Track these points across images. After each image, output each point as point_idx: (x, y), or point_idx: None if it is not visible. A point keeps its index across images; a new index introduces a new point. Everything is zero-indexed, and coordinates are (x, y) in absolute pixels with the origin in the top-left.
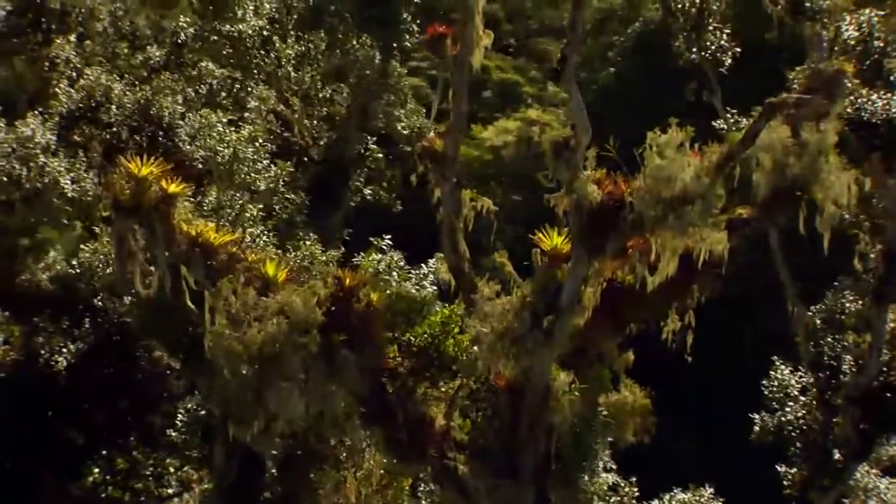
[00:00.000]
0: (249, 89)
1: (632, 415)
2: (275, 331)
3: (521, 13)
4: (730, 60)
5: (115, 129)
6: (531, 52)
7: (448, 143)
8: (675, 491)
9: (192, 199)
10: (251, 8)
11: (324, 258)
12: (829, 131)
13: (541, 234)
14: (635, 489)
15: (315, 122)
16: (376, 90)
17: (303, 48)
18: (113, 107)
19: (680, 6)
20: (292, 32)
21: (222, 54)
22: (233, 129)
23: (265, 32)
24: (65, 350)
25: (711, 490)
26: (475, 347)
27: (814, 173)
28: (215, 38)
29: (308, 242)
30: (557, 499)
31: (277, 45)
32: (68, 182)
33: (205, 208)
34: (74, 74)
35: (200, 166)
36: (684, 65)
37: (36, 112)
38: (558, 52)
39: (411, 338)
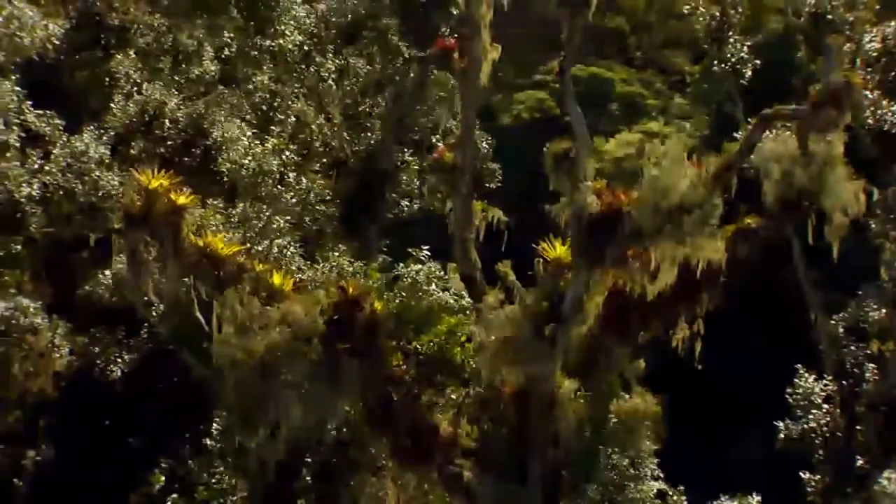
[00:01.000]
0: (290, 103)
1: (643, 422)
2: (277, 339)
3: (646, 25)
4: (749, 72)
5: (169, 142)
6: (657, 64)
7: (458, 155)
8: (723, 498)
9: (222, 212)
10: (291, 23)
11: (351, 269)
12: (836, 142)
13: (544, 245)
14: (683, 498)
15: (354, 134)
16: (410, 103)
17: (342, 62)
18: (166, 121)
19: (702, 19)
20: (330, 47)
21: (263, 69)
22: (257, 142)
23: (305, 47)
24: (119, 360)
25: (758, 499)
26: (479, 355)
27: (821, 183)
28: (255, 53)
29: (336, 254)
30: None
31: (318, 59)
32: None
33: (232, 220)
34: (135, 90)
35: (226, 179)
36: (805, 75)
37: (92, 126)
38: (685, 64)
39: (418, 346)
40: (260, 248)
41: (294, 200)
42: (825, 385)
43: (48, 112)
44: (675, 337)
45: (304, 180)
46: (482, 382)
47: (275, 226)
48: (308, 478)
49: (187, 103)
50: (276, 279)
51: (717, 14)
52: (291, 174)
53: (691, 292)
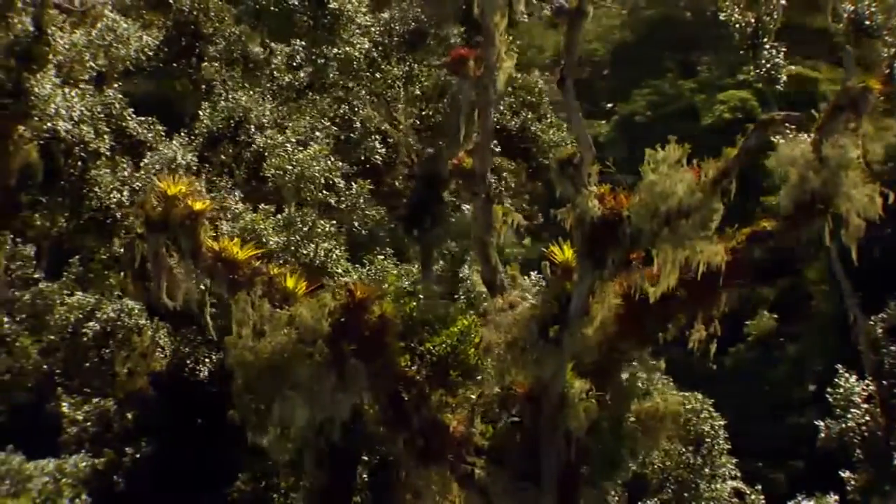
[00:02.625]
0: (357, 109)
1: (662, 421)
2: (284, 341)
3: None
4: (784, 78)
5: (253, 147)
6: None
7: (476, 161)
8: (799, 497)
9: (273, 215)
10: (357, 31)
11: (395, 272)
12: (849, 146)
13: (554, 248)
14: (762, 497)
15: (419, 139)
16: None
17: (407, 68)
18: (252, 127)
19: (737, 25)
20: (395, 55)
21: (330, 76)
22: (300, 147)
23: (373, 54)
24: (208, 360)
25: (836, 498)
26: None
27: (835, 187)
28: (323, 60)
29: (381, 257)
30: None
31: (384, 66)
32: (208, 201)
33: (279, 223)
34: (231, 96)
35: (270, 184)
36: None
37: (182, 133)
38: None
39: (431, 347)
40: (305, 252)
41: (346, 205)
42: (867, 385)
43: (149, 118)
44: (691, 338)
45: (354, 185)
46: (493, 383)
47: (319, 230)
48: (365, 475)
49: (273, 109)
50: (290, 282)
51: (752, 20)
52: (336, 178)
53: (706, 293)
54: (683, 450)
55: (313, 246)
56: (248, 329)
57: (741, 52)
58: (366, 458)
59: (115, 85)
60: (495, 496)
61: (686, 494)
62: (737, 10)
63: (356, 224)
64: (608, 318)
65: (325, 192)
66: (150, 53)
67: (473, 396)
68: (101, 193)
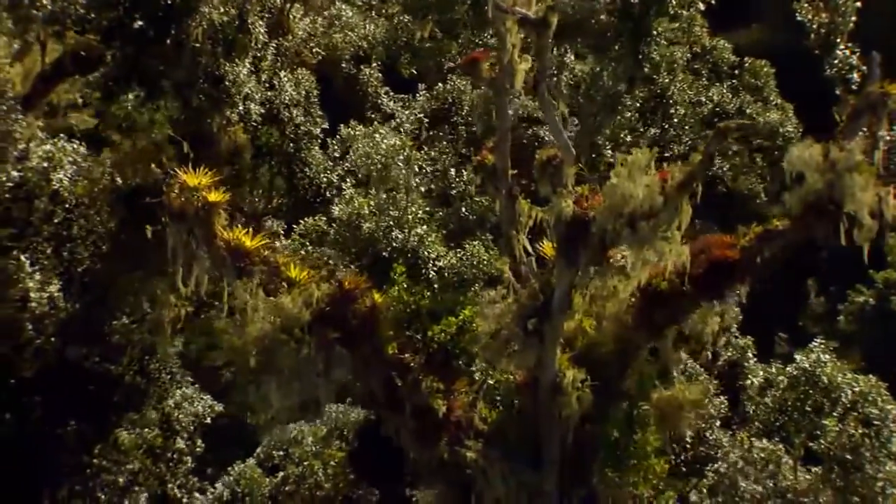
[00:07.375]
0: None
1: (681, 409)
2: (267, 328)
3: None
4: (857, 78)
5: (473, 128)
6: None
7: (497, 158)
8: None
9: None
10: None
11: (486, 258)
12: (854, 149)
13: (546, 244)
14: None
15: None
16: (612, 101)
17: (558, 58)
18: (464, 108)
19: (814, 26)
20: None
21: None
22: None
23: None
24: None
25: None
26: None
27: (842, 189)
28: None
29: (475, 243)
30: (603, 487)
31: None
32: (414, 181)
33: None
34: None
35: (360, 173)
36: None
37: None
38: None
39: (432, 336)
40: (397, 236)
41: (455, 191)
42: None
43: (404, 95)
44: (704, 331)
45: (465, 173)
46: (486, 370)
47: (411, 216)
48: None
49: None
50: (293, 272)
51: (825, 20)
52: (426, 167)
53: (713, 289)
54: (853, 432)
55: (406, 230)
56: (243, 315)
57: (815, 52)
58: None
59: (374, 64)
60: (493, 479)
61: (851, 476)
62: (811, 10)
63: (464, 210)
64: (621, 312)
65: (417, 180)
66: (372, 41)
67: (476, 381)
68: (312, 174)
